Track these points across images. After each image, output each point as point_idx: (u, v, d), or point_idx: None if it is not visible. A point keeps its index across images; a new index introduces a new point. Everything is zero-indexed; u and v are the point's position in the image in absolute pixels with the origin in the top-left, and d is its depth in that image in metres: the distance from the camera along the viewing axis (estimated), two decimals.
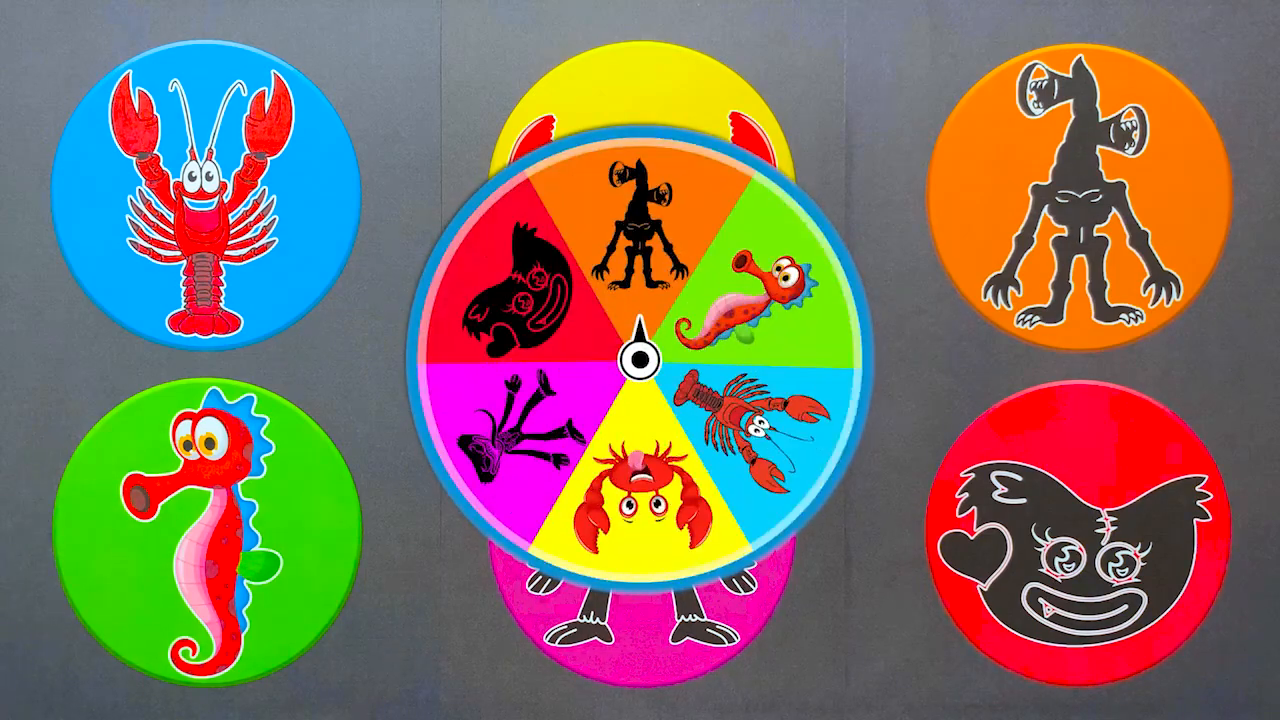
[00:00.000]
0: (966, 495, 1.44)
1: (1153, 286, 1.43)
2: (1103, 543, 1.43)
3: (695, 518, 1.45)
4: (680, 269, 1.44)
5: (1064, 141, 1.43)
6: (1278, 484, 1.44)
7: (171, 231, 1.43)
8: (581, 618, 1.46)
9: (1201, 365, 1.43)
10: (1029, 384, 1.44)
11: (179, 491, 1.44)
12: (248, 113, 1.43)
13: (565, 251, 1.44)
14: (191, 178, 1.43)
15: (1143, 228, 1.43)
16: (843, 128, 1.43)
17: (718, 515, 1.45)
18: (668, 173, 1.43)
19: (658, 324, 1.44)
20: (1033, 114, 1.43)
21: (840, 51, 1.43)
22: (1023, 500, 1.44)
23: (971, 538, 1.45)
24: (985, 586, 1.45)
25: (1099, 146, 1.42)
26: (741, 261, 1.43)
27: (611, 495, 1.45)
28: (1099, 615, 1.44)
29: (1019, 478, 1.44)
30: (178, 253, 1.43)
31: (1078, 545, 1.44)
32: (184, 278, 1.43)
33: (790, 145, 1.43)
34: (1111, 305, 1.43)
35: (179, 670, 1.45)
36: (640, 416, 1.45)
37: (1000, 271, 1.44)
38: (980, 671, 1.46)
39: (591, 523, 1.45)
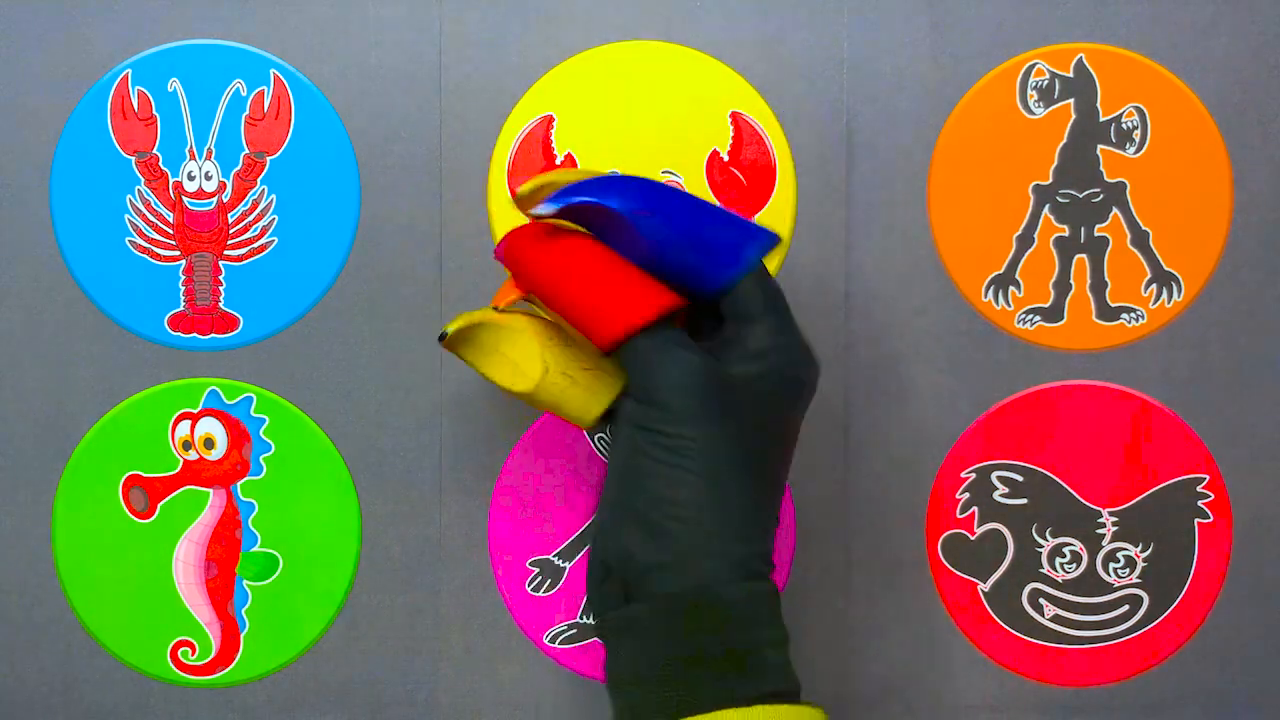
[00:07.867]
0: (967, 495, 1.44)
1: (1154, 286, 1.43)
2: (1104, 543, 1.43)
3: None
4: None
5: (1065, 141, 1.42)
6: (1278, 484, 1.44)
7: (171, 231, 1.43)
8: (582, 618, 1.46)
9: (1202, 365, 1.43)
10: (1029, 384, 1.44)
11: (178, 492, 1.44)
12: (247, 112, 1.42)
13: None
14: (190, 177, 1.43)
15: (1144, 227, 1.43)
16: (843, 128, 1.43)
17: None
18: None
19: None
20: (1033, 114, 1.43)
21: (840, 51, 1.43)
22: (1023, 500, 1.44)
23: (972, 538, 1.44)
24: (986, 587, 1.45)
25: (1100, 146, 1.42)
26: None
27: None
28: (1100, 616, 1.44)
29: (1020, 478, 1.44)
30: (177, 253, 1.43)
31: (1078, 545, 1.43)
32: (183, 278, 1.43)
33: (790, 145, 1.43)
34: (1112, 305, 1.43)
35: (178, 671, 1.45)
36: None
37: (1001, 271, 1.44)
38: (980, 671, 1.45)
39: None
